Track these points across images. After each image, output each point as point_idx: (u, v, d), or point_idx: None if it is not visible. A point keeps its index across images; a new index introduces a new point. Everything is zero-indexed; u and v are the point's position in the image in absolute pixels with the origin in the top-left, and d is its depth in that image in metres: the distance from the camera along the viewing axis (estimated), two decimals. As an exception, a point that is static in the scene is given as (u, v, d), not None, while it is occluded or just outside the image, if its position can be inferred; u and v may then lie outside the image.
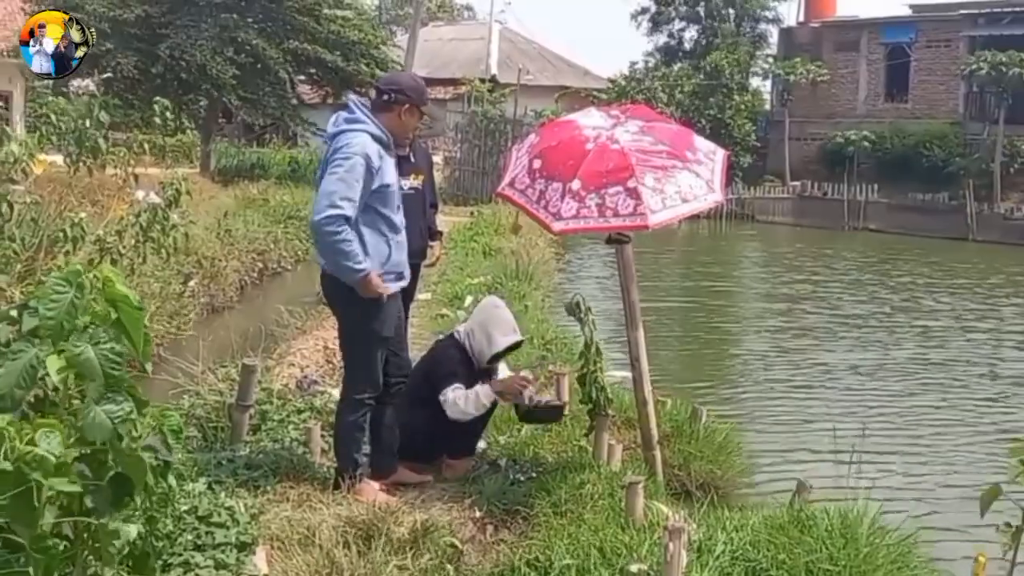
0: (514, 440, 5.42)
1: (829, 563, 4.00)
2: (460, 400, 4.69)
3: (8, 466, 1.99)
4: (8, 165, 6.15)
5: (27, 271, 6.70)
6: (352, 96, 4.66)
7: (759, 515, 4.41)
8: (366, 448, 4.45)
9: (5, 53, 18.63)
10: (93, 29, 20.12)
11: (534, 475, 4.76)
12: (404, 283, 4.54)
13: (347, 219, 4.12)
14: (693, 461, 5.58)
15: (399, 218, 4.40)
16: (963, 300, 15.54)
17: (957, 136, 28.01)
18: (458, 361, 4.86)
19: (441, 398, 4.70)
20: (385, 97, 4.43)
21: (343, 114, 4.37)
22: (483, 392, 4.75)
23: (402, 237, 4.42)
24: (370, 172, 4.19)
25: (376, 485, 4.48)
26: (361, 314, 4.29)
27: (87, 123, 7.71)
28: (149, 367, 2.41)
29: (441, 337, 5.31)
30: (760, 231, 27.43)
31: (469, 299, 9.40)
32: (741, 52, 31.88)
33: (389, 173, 4.31)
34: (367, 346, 4.37)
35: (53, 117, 7.54)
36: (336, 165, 4.17)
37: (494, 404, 4.88)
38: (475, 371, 4.91)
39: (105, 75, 21.80)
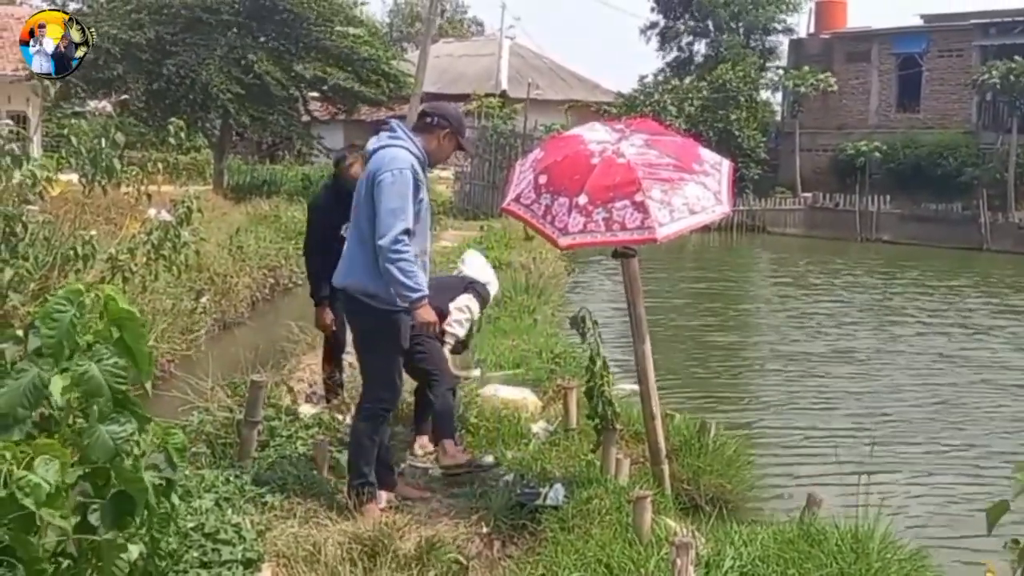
0: (522, 455, 5.41)
1: (839, 578, 3.97)
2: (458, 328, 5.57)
3: (2, 492, 1.99)
4: (25, 186, 6.18)
5: (41, 290, 6.74)
6: (395, 120, 4.75)
7: (768, 529, 4.38)
8: (373, 466, 4.47)
9: (21, 73, 18.75)
10: (106, 49, 20.35)
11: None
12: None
13: (410, 232, 4.25)
14: (702, 475, 5.55)
15: (428, 238, 4.54)
16: (977, 309, 15.45)
17: (969, 146, 27.87)
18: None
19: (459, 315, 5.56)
20: (428, 120, 4.55)
21: (384, 133, 4.49)
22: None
23: (425, 258, 4.52)
24: (417, 183, 4.31)
25: (383, 504, 4.49)
26: (381, 326, 4.37)
27: (103, 143, 7.78)
28: (148, 386, 2.42)
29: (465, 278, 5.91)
30: (771, 243, 27.36)
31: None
32: (748, 64, 31.86)
33: (424, 190, 4.42)
34: (386, 356, 4.44)
35: (74, 140, 7.56)
36: (390, 182, 4.23)
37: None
38: None
39: (123, 96, 22.03)
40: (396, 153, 4.32)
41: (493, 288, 6.02)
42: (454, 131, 4.53)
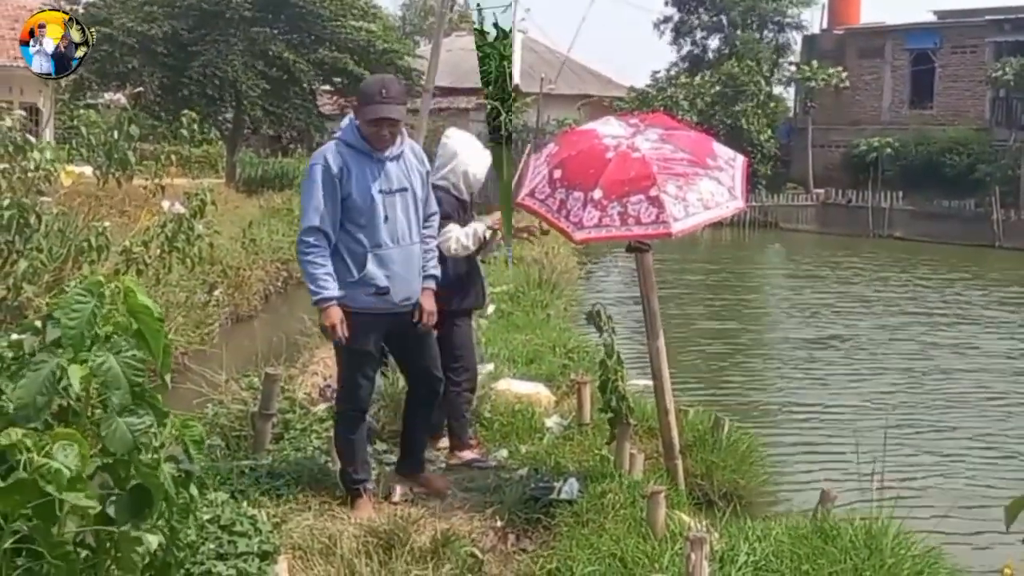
0: (535, 449, 5.42)
1: (853, 574, 3.95)
2: (460, 234, 4.93)
3: (24, 475, 2.01)
4: (34, 174, 6.19)
5: (55, 281, 6.77)
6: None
7: (782, 525, 4.37)
8: (361, 463, 4.43)
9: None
10: (120, 42, 20.35)
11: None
12: (394, 299, 4.25)
13: (320, 231, 4.09)
14: (716, 470, 5.54)
15: (383, 229, 4.19)
16: (992, 306, 15.39)
17: (982, 143, 27.72)
18: (453, 206, 5.01)
19: (440, 239, 4.74)
20: None
21: None
22: (480, 228, 5.06)
23: (387, 251, 4.21)
24: (329, 176, 4.12)
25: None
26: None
27: (116, 135, 7.83)
28: (168, 379, 2.43)
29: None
30: (784, 239, 27.30)
31: (491, 307, 9.40)
32: (758, 59, 31.75)
33: (356, 180, 4.14)
34: (345, 359, 4.36)
35: (84, 130, 7.58)
36: (303, 182, 4.28)
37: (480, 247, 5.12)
38: (468, 209, 5.18)
39: (137, 89, 22.07)
40: (318, 150, 4.31)
41: (475, 170, 5.25)
42: (358, 103, 4.27)
